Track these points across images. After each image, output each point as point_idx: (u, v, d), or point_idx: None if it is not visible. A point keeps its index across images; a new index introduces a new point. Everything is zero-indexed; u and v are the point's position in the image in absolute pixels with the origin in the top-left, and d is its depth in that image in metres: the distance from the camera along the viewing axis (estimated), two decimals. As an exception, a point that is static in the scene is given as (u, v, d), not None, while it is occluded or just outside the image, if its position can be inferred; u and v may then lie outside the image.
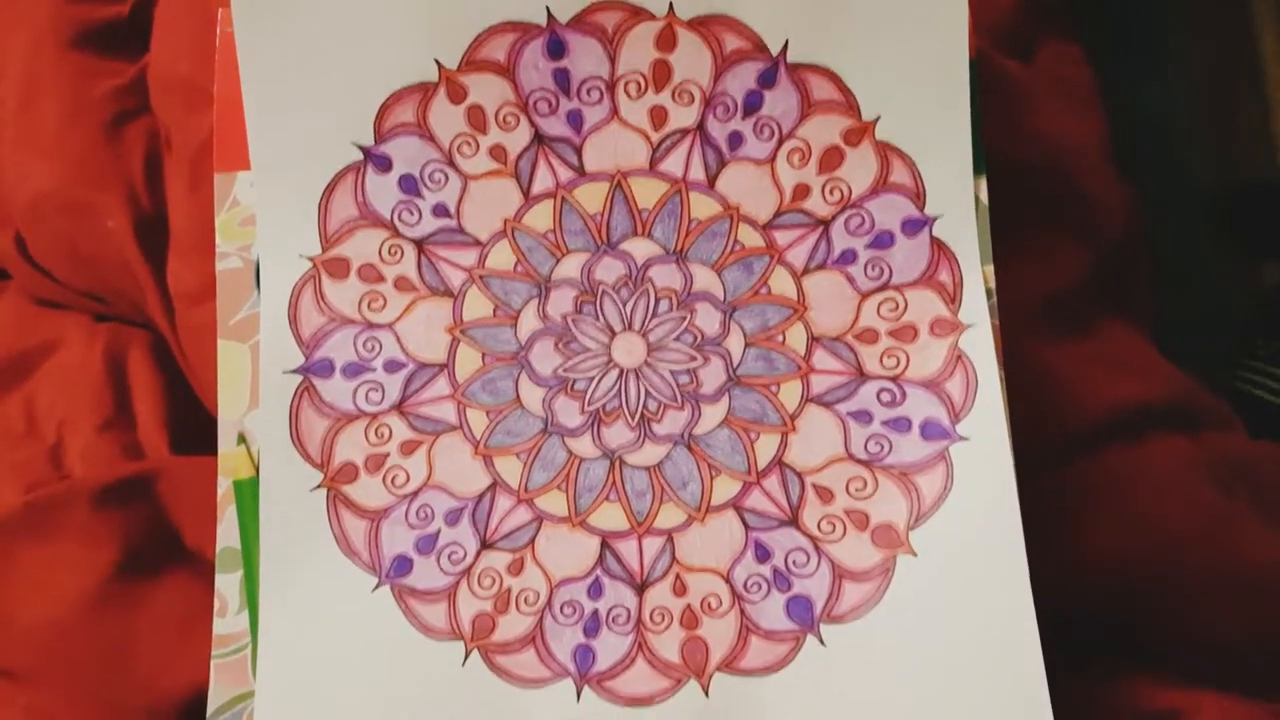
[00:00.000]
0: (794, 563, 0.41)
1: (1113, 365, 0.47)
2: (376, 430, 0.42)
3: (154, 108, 0.50)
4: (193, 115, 0.48)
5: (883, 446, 0.42)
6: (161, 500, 0.47)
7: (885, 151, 0.43)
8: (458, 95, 0.43)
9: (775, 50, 0.42)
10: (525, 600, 0.41)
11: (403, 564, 0.41)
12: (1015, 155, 0.48)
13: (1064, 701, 0.38)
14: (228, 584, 0.41)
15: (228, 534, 0.41)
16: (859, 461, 0.42)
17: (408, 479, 0.42)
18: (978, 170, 0.42)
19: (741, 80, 0.43)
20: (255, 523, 0.41)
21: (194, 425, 0.49)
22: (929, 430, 0.41)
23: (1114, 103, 0.57)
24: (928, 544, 0.40)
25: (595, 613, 0.41)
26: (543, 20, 0.42)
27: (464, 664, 0.40)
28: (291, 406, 0.42)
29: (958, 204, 0.42)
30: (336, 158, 0.42)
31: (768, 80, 0.43)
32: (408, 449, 0.42)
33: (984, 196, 0.43)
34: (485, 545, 0.41)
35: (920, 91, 0.42)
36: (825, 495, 0.41)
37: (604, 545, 0.41)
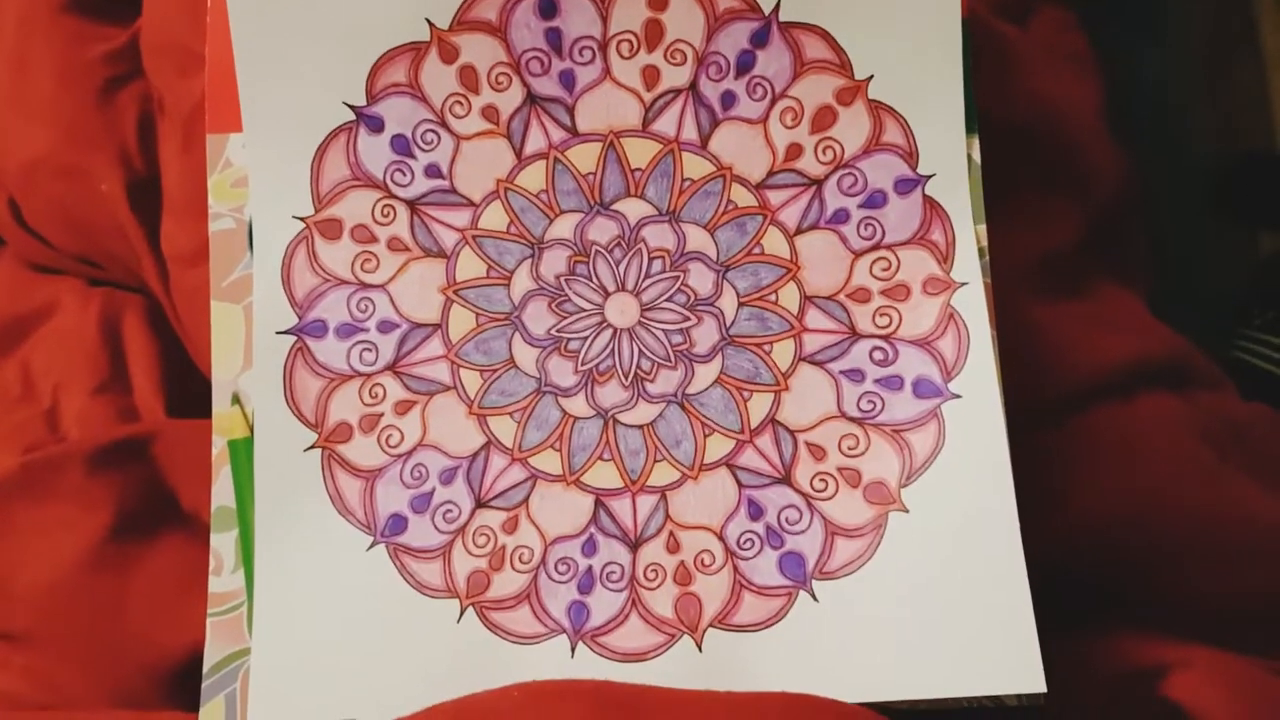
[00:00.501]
0: (786, 520, 0.41)
1: (1105, 325, 0.47)
2: (370, 390, 0.42)
3: (146, 71, 0.50)
4: (185, 78, 0.48)
5: (875, 404, 0.42)
6: (157, 462, 0.47)
7: (878, 111, 0.42)
8: (449, 55, 0.42)
9: (768, 9, 0.42)
10: (520, 558, 0.41)
11: (397, 522, 0.41)
12: (1009, 117, 0.47)
13: (1054, 657, 0.38)
14: (223, 542, 0.41)
15: (222, 493, 0.41)
16: (851, 419, 0.42)
17: (402, 439, 0.42)
18: (970, 129, 0.42)
19: (734, 40, 0.42)
20: (250, 482, 0.41)
21: (189, 388, 0.49)
22: (921, 388, 0.41)
23: (1109, 71, 0.57)
24: (919, 501, 0.40)
25: (589, 570, 0.41)
26: (535, -21, 0.42)
27: (459, 621, 0.40)
28: (285, 367, 0.42)
29: (950, 163, 0.42)
30: (328, 118, 0.42)
31: (760, 40, 0.42)
32: (402, 409, 0.42)
33: (976, 156, 0.42)
34: (480, 504, 0.41)
35: (913, 51, 0.42)
36: (818, 453, 0.41)
37: (598, 503, 0.41)
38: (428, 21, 0.42)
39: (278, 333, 0.42)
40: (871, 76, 0.42)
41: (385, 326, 0.42)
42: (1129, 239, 0.52)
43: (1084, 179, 0.50)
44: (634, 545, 0.41)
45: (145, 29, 0.50)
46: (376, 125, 0.42)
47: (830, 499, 0.41)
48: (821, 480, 0.41)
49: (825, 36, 0.42)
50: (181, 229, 0.48)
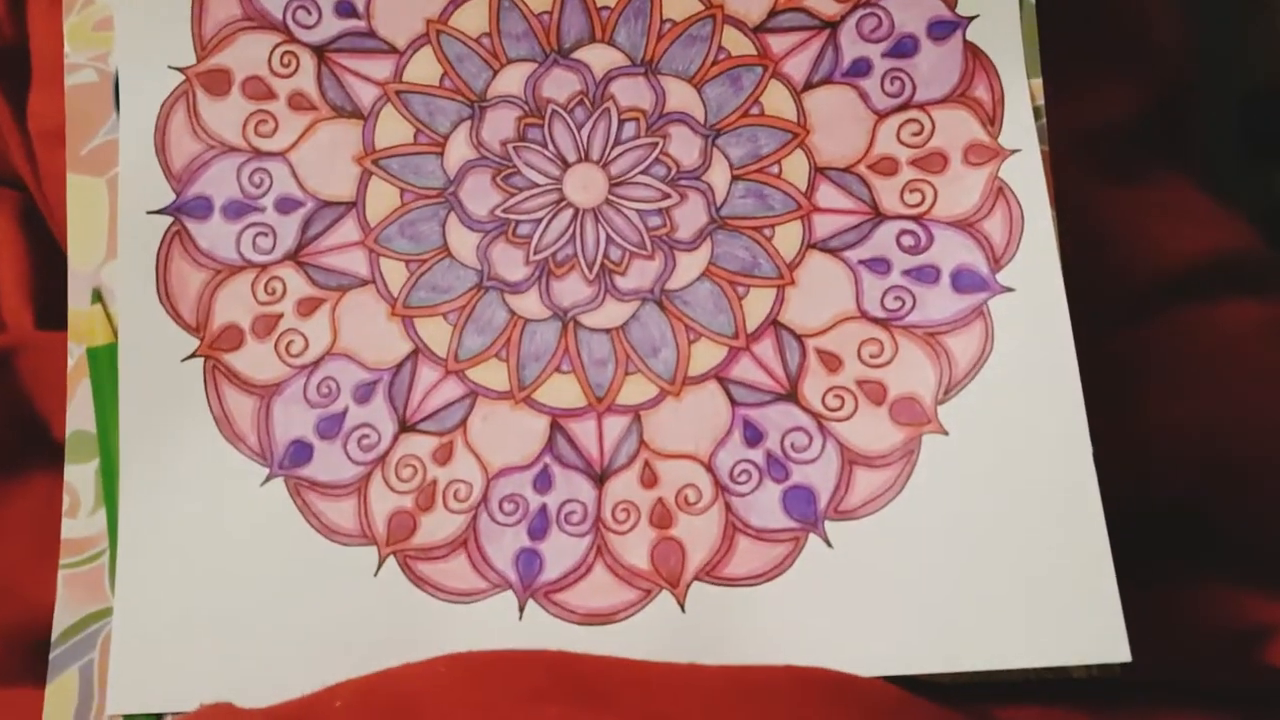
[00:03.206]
0: (792, 445, 0.34)
1: (1176, 214, 0.41)
2: (267, 285, 0.34)
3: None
4: (54, -87, 0.39)
5: (904, 302, 0.34)
6: (21, 383, 0.41)
7: None
8: None
9: None
10: (455, 495, 0.34)
11: (300, 451, 0.34)
12: None
13: (1131, 615, 0.32)
14: (80, 476, 0.35)
15: (80, 414, 0.35)
16: (874, 320, 0.34)
17: (306, 346, 0.34)
18: None
19: None
20: (114, 400, 0.34)
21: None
22: (962, 280, 0.34)
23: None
24: (961, 420, 0.33)
25: (543, 509, 0.34)
26: None
27: (377, 573, 0.33)
28: (159, 255, 0.35)
29: (998, 1, 0.35)
30: (212, -60, 0.34)
31: None
32: (306, 308, 0.34)
33: None
34: (405, 427, 0.34)
35: None
36: (832, 362, 0.34)
37: (554, 426, 0.34)
38: None
39: (149, 212, 0.35)
40: None
41: (285, 205, 0.35)
42: (1190, 123, 0.46)
43: (1146, 47, 0.45)
44: (600, 478, 0.34)
45: None
46: (273, -51, 0.34)
47: (848, 419, 0.34)
48: (836, 396, 0.34)
49: None
50: (52, 102, 0.41)
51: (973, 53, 0.35)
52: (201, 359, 0.34)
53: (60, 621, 0.33)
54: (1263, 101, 0.76)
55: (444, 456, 0.34)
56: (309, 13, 0.35)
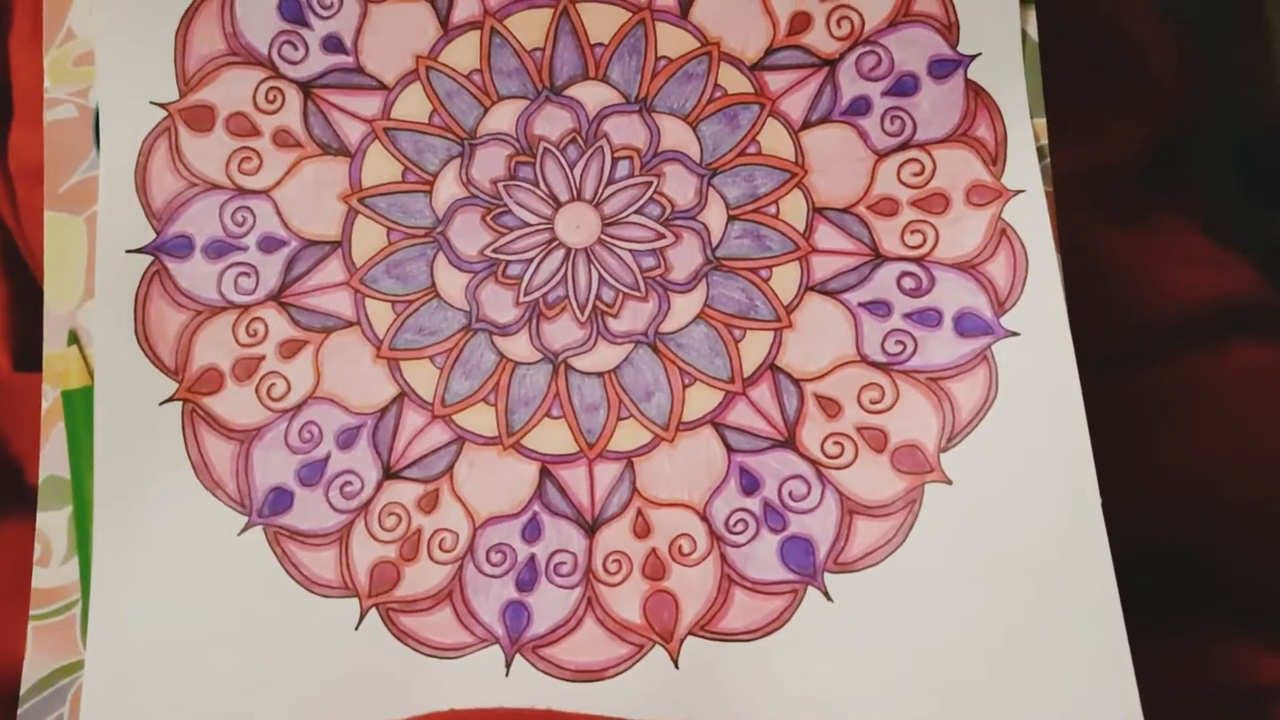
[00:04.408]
0: (790, 494, 0.32)
1: (1182, 258, 0.40)
2: (248, 326, 0.33)
3: (-9, -63, 0.41)
4: (35, -55, 0.38)
5: (905, 345, 0.33)
6: None
7: None
8: (355, -107, 0.33)
9: None
10: (440, 545, 0.32)
11: (280, 498, 0.32)
12: (1060, 6, 0.39)
13: (1142, 670, 0.31)
14: (53, 524, 0.33)
15: (54, 460, 0.33)
16: (875, 365, 0.33)
17: (288, 389, 0.33)
18: None
19: None
20: (89, 445, 0.33)
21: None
22: (965, 324, 0.33)
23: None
24: (965, 469, 0.32)
25: (531, 560, 0.32)
26: None
27: (359, 626, 0.32)
28: (138, 295, 0.33)
29: (1000, 39, 0.34)
30: (198, -26, 0.33)
31: None
32: (288, 350, 0.33)
33: (1033, 31, 0.35)
34: (389, 474, 0.32)
35: None
36: (831, 408, 0.33)
37: (544, 473, 0.32)
38: None
39: (129, 251, 0.33)
40: None
41: (269, 244, 0.33)
42: (1190, 164, 0.45)
43: (1147, 87, 0.44)
44: (591, 528, 0.32)
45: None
46: (260, -16, 0.33)
47: (847, 467, 0.33)
48: (836, 443, 0.32)
49: None
50: (32, 137, 0.39)
51: (975, 92, 0.34)
52: (180, 402, 0.33)
53: (29, 676, 0.32)
54: (1260, 142, 0.75)
55: (429, 504, 0.32)
56: (296, 48, 0.34)
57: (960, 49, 0.34)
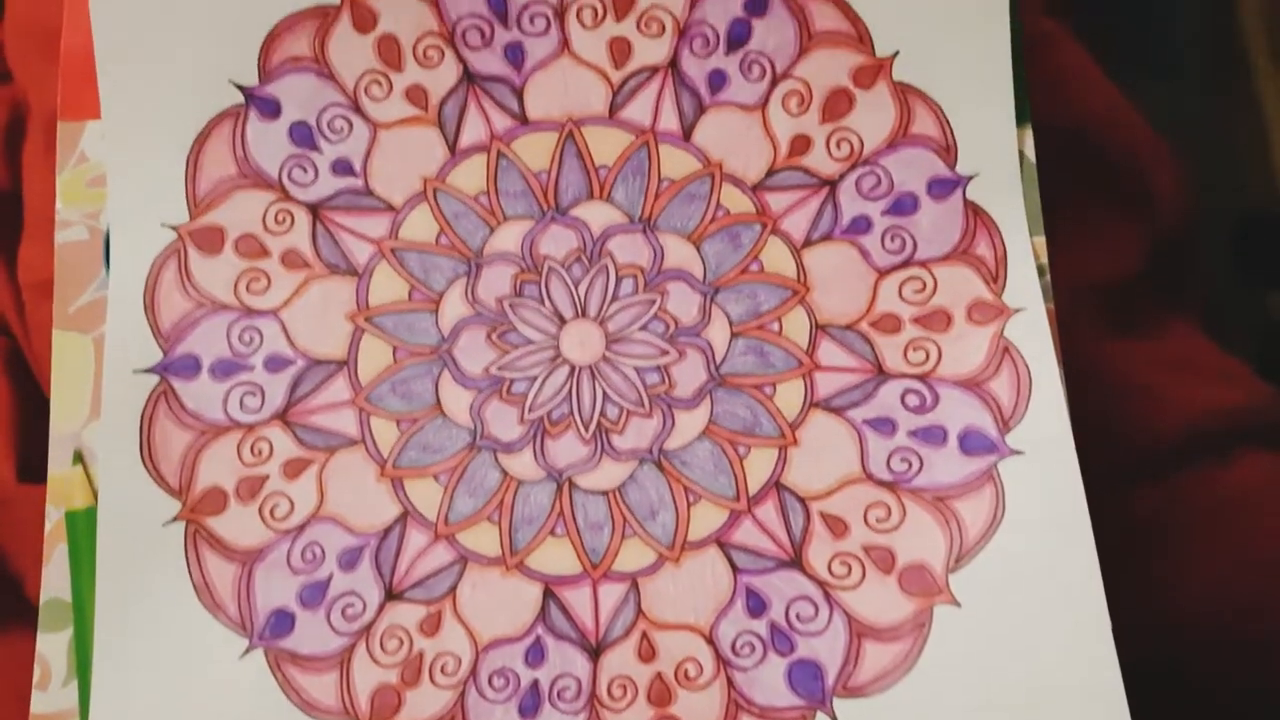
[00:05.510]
0: (798, 616, 0.32)
1: (1185, 368, 0.40)
2: (253, 446, 0.33)
3: (8, 62, 0.42)
4: (53, 66, 0.39)
5: (910, 464, 0.33)
6: None
7: (905, 95, 0.35)
8: (365, 22, 0.34)
9: None
10: (442, 669, 0.31)
11: (282, 620, 0.32)
12: (1055, 116, 0.40)
13: None
14: (53, 646, 0.32)
15: (55, 581, 0.33)
16: (880, 483, 0.33)
17: (291, 509, 0.32)
18: (1020, 120, 0.35)
19: (725, 6, 0.35)
20: (91, 567, 0.32)
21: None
22: (970, 442, 0.33)
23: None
24: (974, 590, 0.32)
25: (534, 685, 0.31)
26: (474, -70, 0.34)
27: None
28: (144, 415, 0.33)
29: (997, 160, 0.35)
30: (211, 101, 0.34)
31: (757, 6, 0.35)
32: (293, 470, 0.32)
33: (1030, 152, 0.35)
34: (391, 595, 0.32)
35: (947, 20, 0.35)
36: (837, 527, 0.32)
37: (547, 594, 0.32)
38: (338, -20, 0.34)
39: (136, 371, 0.33)
40: (896, 53, 0.35)
41: (275, 364, 0.33)
42: (1192, 268, 0.45)
43: (1147, 195, 0.44)
44: (595, 651, 0.32)
45: (9, 11, 0.42)
46: (271, 109, 0.34)
47: (855, 588, 0.32)
48: (843, 563, 0.32)
49: (838, 3, 0.35)
50: (42, 252, 0.40)
51: (974, 211, 0.35)
52: (183, 523, 0.33)
53: (22, 807, 0.31)
54: (1257, 222, 0.76)
55: (432, 627, 0.32)
56: (305, 171, 0.34)
57: (958, 169, 0.35)
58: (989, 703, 0.30)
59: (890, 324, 0.34)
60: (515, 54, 0.35)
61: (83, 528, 0.33)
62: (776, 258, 0.34)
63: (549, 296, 0.34)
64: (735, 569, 0.32)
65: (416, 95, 0.34)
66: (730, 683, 0.31)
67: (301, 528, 0.33)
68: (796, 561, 0.32)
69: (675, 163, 0.35)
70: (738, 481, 0.33)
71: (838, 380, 0.34)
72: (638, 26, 0.35)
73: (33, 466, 0.42)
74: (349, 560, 0.32)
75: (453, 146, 0.34)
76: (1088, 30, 0.51)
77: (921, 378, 0.34)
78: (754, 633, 0.32)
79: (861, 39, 0.35)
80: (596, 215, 0.34)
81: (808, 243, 0.34)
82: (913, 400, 0.33)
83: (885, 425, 0.33)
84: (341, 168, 0.34)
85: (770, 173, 0.35)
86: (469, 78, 0.35)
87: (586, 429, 0.33)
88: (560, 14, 0.35)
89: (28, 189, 0.42)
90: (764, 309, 0.34)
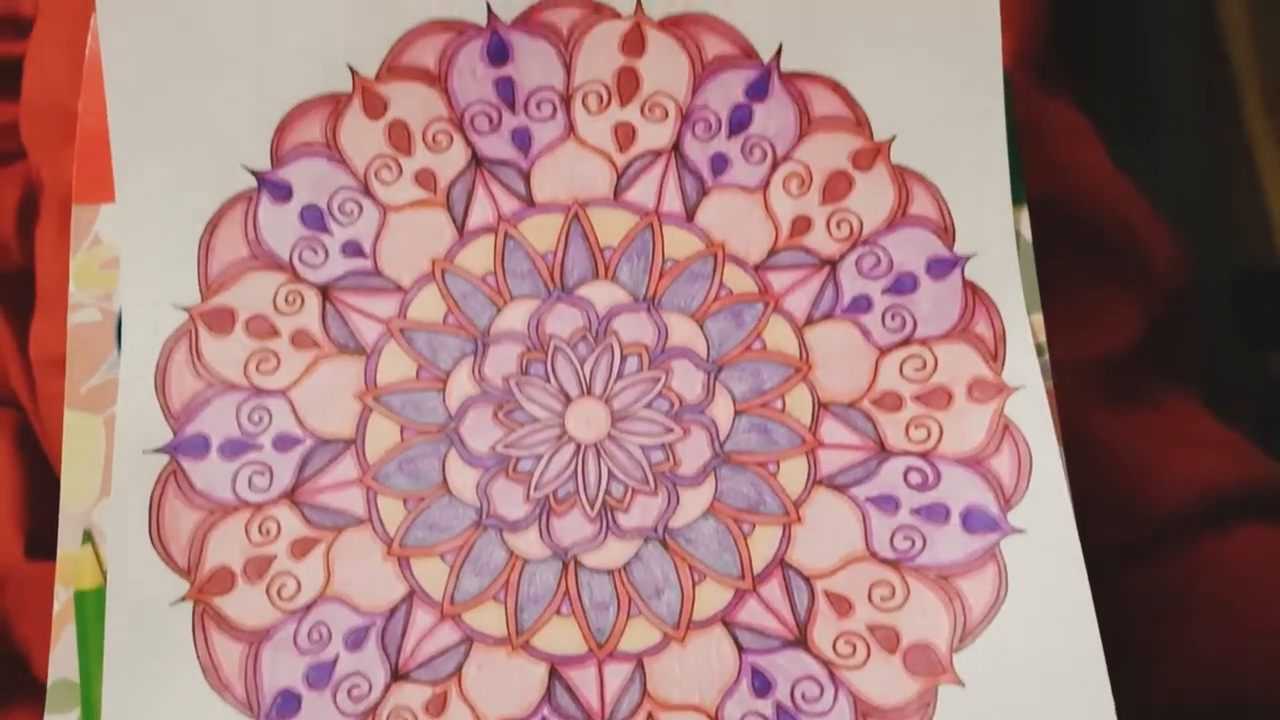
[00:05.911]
0: (803, 696, 0.32)
1: (1182, 441, 0.40)
2: (261, 525, 0.33)
3: (24, 142, 0.43)
4: (67, 145, 0.40)
5: (914, 542, 0.33)
6: (6, 616, 0.40)
7: (903, 177, 0.35)
8: (376, 109, 0.35)
9: (767, 56, 0.36)
10: None
11: (288, 701, 0.32)
12: (1048, 192, 0.40)
13: None
14: None
15: (64, 662, 0.33)
16: (884, 561, 0.33)
17: (299, 589, 0.32)
18: (1017, 200, 0.36)
19: (726, 91, 0.36)
20: (99, 647, 0.32)
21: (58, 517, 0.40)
22: (972, 520, 0.33)
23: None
24: (978, 669, 0.32)
25: None
26: (482, 19, 0.35)
27: None
28: (153, 495, 0.33)
29: (995, 240, 0.35)
30: (224, 184, 0.35)
31: (758, 91, 0.36)
32: (300, 549, 0.33)
33: (1027, 232, 0.36)
34: (397, 676, 0.32)
35: (944, 104, 0.36)
36: (842, 606, 0.32)
37: (553, 674, 0.32)
38: (350, 68, 0.35)
39: (146, 451, 0.33)
40: (894, 136, 0.35)
41: (284, 443, 0.33)
42: (1187, 338, 0.46)
43: (1140, 267, 0.44)
44: None
45: (26, 90, 0.43)
46: (283, 193, 0.34)
47: (860, 668, 0.32)
48: (848, 643, 0.32)
49: (837, 89, 0.35)
50: (54, 329, 0.40)
51: (972, 290, 0.35)
52: (191, 603, 0.33)
53: None
54: (1254, 282, 0.76)
55: (437, 708, 0.32)
56: (316, 253, 0.35)
57: (956, 249, 0.35)
58: (995, 785, 0.30)
59: (892, 402, 0.34)
60: (522, 138, 0.35)
61: (91, 608, 0.33)
62: (779, 336, 0.35)
63: (555, 375, 0.35)
64: (740, 648, 0.32)
65: (426, 179, 0.35)
66: (736, 764, 0.31)
67: (308, 607, 0.33)
68: (802, 641, 0.32)
69: (679, 243, 0.35)
70: (742, 560, 0.33)
71: (840, 458, 0.34)
72: (641, 112, 0.36)
73: (40, 540, 0.42)
74: (355, 640, 0.32)
75: (461, 228, 0.35)
76: (1082, 95, 0.52)
77: (923, 455, 0.34)
78: (759, 713, 0.32)
79: (860, 123, 0.36)
80: (601, 295, 0.35)
81: (809, 321, 0.35)
82: (915, 478, 0.34)
83: (888, 503, 0.34)
84: (351, 249, 0.35)
85: (772, 253, 0.35)
86: (477, 161, 0.35)
87: (592, 507, 0.34)
88: (566, 100, 0.36)
89: (40, 266, 0.42)
90: (767, 387, 0.35)
